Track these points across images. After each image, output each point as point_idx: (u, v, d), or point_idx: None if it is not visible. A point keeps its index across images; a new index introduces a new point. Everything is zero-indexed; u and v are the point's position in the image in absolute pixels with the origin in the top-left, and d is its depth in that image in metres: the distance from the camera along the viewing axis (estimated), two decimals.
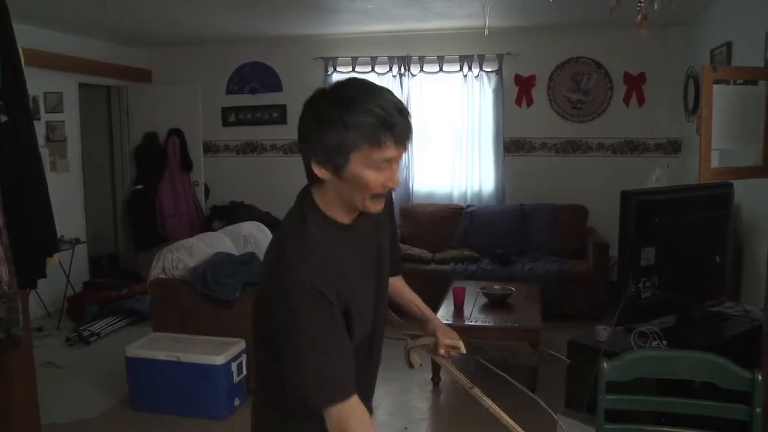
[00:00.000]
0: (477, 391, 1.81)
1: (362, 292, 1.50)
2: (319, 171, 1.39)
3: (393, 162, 1.39)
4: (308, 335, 1.33)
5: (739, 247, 4.54)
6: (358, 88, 1.38)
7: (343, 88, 1.39)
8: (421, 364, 1.96)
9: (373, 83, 1.41)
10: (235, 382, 3.88)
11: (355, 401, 1.36)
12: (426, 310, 1.98)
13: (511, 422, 1.75)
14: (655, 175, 5.75)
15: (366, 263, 1.55)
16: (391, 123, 1.34)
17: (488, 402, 1.79)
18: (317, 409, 1.34)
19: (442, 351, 1.90)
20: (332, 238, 1.44)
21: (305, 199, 1.48)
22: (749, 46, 4.48)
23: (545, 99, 6.73)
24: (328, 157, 1.36)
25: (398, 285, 1.94)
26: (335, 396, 1.34)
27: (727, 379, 2.03)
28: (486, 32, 4.79)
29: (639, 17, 2.53)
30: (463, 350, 1.92)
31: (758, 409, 1.98)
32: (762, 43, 4.16)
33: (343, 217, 1.47)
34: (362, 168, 1.36)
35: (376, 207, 1.45)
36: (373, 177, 1.38)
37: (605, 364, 2.07)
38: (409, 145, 1.42)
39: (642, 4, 2.43)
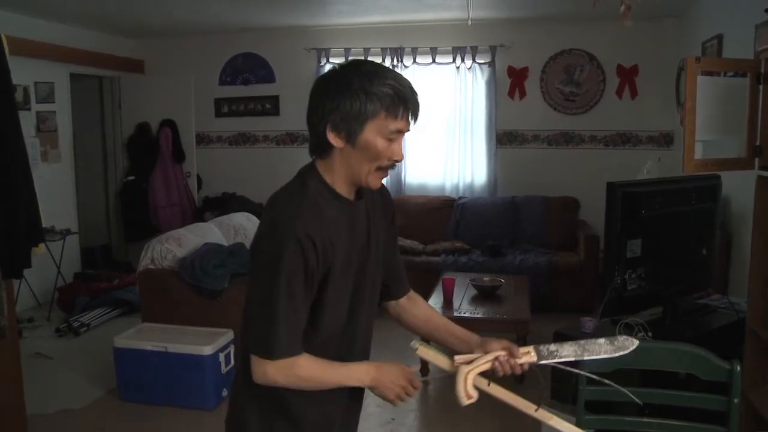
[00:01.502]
0: (543, 412, 1.58)
1: (344, 267, 1.51)
2: (333, 138, 1.45)
3: (401, 135, 1.48)
4: (280, 285, 1.40)
5: (727, 240, 4.56)
6: (377, 65, 1.48)
7: (362, 63, 1.49)
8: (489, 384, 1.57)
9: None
10: (223, 372, 3.88)
11: (287, 362, 1.43)
12: (462, 330, 1.78)
13: None
14: (647, 167, 5.76)
15: (355, 243, 1.55)
16: (407, 97, 1.44)
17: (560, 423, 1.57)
18: (252, 353, 1.45)
19: (513, 363, 1.59)
20: (330, 205, 1.49)
21: (307, 173, 1.54)
22: (740, 39, 4.48)
23: (538, 91, 6.72)
24: (345, 124, 1.43)
25: (424, 308, 1.85)
26: (273, 351, 1.42)
27: (706, 370, 2.03)
28: (469, 22, 4.78)
29: (622, 8, 2.52)
30: (536, 357, 1.59)
31: (736, 400, 1.99)
32: (752, 36, 4.16)
33: (345, 192, 1.53)
34: (376, 136, 1.44)
35: (377, 182, 1.52)
36: (383, 146, 1.45)
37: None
38: (415, 123, 1.51)
39: None
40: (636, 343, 1.60)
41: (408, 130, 1.49)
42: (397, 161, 1.49)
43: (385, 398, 1.56)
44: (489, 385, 1.55)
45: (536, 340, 4.64)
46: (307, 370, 1.46)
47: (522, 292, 4.80)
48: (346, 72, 1.45)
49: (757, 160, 2.80)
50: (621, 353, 1.62)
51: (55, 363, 4.69)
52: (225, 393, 3.91)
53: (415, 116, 1.48)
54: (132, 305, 5.64)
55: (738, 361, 2.02)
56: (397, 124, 1.44)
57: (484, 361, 1.55)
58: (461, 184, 6.91)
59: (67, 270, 6.16)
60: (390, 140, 1.45)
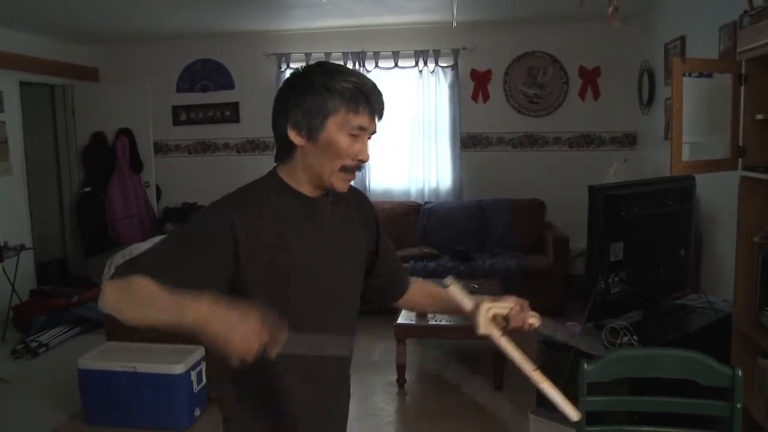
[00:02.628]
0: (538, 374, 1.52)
1: (310, 263, 1.48)
2: (294, 136, 1.44)
3: (365, 134, 1.45)
4: (182, 235, 1.44)
5: (698, 239, 4.59)
6: (341, 66, 1.50)
7: (326, 64, 1.49)
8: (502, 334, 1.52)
9: None
10: (195, 391, 3.74)
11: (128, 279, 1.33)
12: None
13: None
14: (613, 169, 5.79)
15: (323, 240, 1.51)
16: (369, 92, 1.43)
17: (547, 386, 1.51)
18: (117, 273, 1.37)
19: (524, 317, 1.57)
20: (284, 201, 1.47)
21: (265, 176, 1.54)
22: (703, 40, 4.52)
23: (501, 94, 6.72)
24: (306, 120, 1.42)
25: (421, 283, 1.80)
26: (129, 269, 1.35)
27: (707, 376, 2.00)
28: (454, 24, 4.74)
29: (610, 9, 2.49)
30: (539, 323, 1.62)
31: (738, 405, 1.96)
32: (716, 37, 4.20)
33: (308, 191, 1.50)
34: (337, 132, 1.42)
35: (342, 184, 1.47)
36: (346, 144, 1.43)
37: (585, 365, 2.01)
38: (379, 123, 1.48)
39: None
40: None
41: (373, 130, 1.47)
42: (362, 161, 1.46)
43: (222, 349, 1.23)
44: (502, 335, 1.51)
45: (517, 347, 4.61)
46: (140, 287, 1.31)
47: (498, 295, 4.75)
48: (308, 71, 1.46)
49: (740, 160, 2.80)
50: None
51: (12, 387, 4.46)
52: (198, 413, 3.77)
53: (379, 114, 1.47)
54: (92, 322, 5.42)
55: (738, 366, 1.99)
56: (359, 120, 1.42)
57: (505, 303, 1.54)
58: (426, 189, 6.86)
59: (21, 287, 5.89)
60: (353, 137, 1.43)
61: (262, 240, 1.41)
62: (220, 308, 1.22)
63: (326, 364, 1.55)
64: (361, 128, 1.43)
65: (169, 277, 1.30)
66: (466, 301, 1.54)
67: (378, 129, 1.49)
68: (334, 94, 1.40)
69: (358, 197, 1.67)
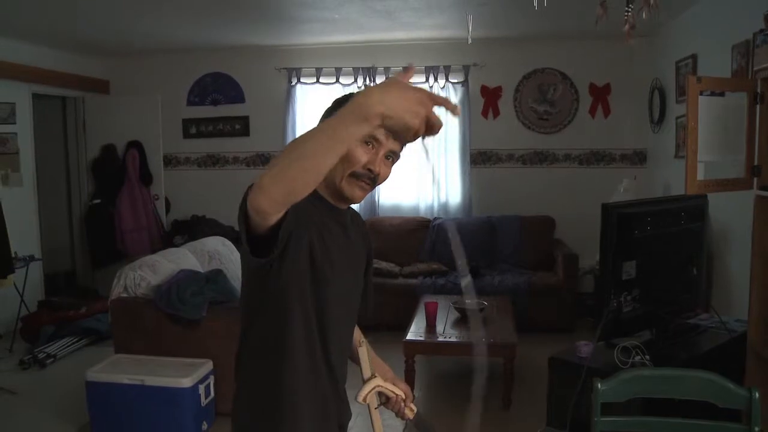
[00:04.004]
0: None
1: (341, 269, 1.54)
2: None
3: (380, 147, 1.48)
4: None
5: (709, 258, 4.56)
6: None
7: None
8: (377, 407, 1.73)
9: None
10: (203, 405, 3.72)
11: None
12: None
13: None
14: (623, 186, 5.78)
15: (347, 247, 1.59)
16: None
17: None
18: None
19: (402, 408, 1.77)
20: (316, 206, 1.50)
21: None
22: (714, 59, 4.52)
23: (511, 110, 6.72)
24: None
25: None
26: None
27: (723, 398, 1.98)
28: (469, 41, 4.76)
29: (626, 26, 2.48)
30: (413, 417, 1.80)
31: (757, 428, 1.93)
32: (728, 56, 4.20)
33: (331, 199, 1.56)
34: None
35: (352, 191, 1.50)
36: (359, 151, 1.46)
37: (599, 385, 1.99)
38: (401, 146, 1.51)
39: (629, 14, 2.38)
40: None
41: (390, 149, 1.48)
42: (372, 171, 1.48)
43: (402, 122, 1.16)
44: (377, 408, 1.69)
45: (524, 364, 4.60)
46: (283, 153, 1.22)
47: (506, 313, 4.73)
48: (352, 93, 1.47)
49: (755, 180, 2.78)
50: None
51: (19, 398, 4.45)
52: (205, 426, 3.75)
53: (395, 134, 1.42)
54: (100, 334, 5.42)
55: (756, 388, 1.97)
56: (374, 129, 1.38)
57: (393, 388, 1.73)
58: (436, 205, 6.86)
59: (30, 298, 5.89)
60: (365, 144, 1.46)
61: (313, 236, 1.46)
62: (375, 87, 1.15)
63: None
64: (374, 138, 1.45)
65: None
66: (366, 368, 1.70)
67: (401, 154, 1.53)
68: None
69: (354, 215, 1.72)
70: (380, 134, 1.45)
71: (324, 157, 1.17)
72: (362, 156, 1.46)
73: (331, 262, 1.49)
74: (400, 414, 1.76)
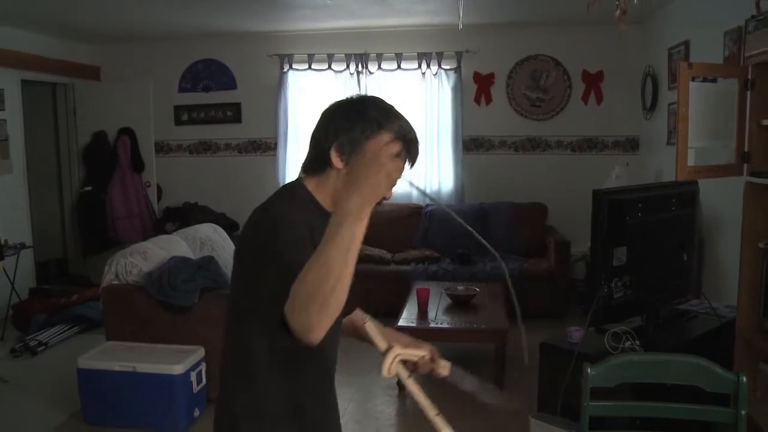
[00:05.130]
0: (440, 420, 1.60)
1: None
2: (335, 157, 1.47)
3: (396, 176, 1.44)
4: (292, 250, 1.36)
5: (700, 245, 4.58)
6: (390, 105, 1.54)
7: (378, 99, 1.55)
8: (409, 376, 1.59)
9: None
10: (194, 392, 3.73)
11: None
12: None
13: None
14: (615, 173, 5.79)
15: None
16: (411, 141, 1.50)
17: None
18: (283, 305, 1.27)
19: (432, 367, 1.66)
20: (316, 217, 1.48)
21: (294, 186, 1.56)
22: (707, 45, 4.52)
23: (504, 97, 6.71)
24: (351, 147, 1.45)
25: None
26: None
27: (711, 382, 1.99)
28: (460, 26, 4.74)
29: (618, 12, 2.47)
30: (448, 373, 1.69)
31: (743, 411, 1.95)
32: (720, 43, 4.20)
33: (327, 206, 1.53)
34: None
35: None
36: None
37: (589, 370, 2.00)
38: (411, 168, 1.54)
39: None
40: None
41: (401, 174, 1.47)
42: (385, 200, 1.44)
43: (376, 188, 1.20)
44: (409, 377, 1.55)
45: (515, 350, 4.61)
46: (298, 284, 1.22)
47: (497, 300, 4.74)
48: (364, 101, 1.52)
49: (746, 166, 2.79)
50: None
51: (11, 386, 4.43)
52: (197, 413, 3.76)
53: (412, 163, 1.53)
54: (92, 322, 5.41)
55: (743, 372, 1.98)
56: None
57: (415, 351, 1.61)
58: (428, 191, 6.85)
59: (21, 286, 5.88)
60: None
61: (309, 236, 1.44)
62: (352, 192, 1.20)
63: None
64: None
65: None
66: (380, 341, 1.57)
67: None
68: (384, 132, 1.45)
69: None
70: (400, 167, 1.43)
71: (349, 271, 1.21)
72: None
73: None
74: (434, 374, 1.67)
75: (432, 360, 1.64)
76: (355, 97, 1.54)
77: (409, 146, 1.48)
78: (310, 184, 1.53)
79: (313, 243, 1.38)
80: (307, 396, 1.55)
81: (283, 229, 1.40)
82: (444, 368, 1.68)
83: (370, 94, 1.59)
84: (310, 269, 1.20)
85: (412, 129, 1.52)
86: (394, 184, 1.38)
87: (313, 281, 1.19)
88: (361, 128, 1.45)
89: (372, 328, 1.59)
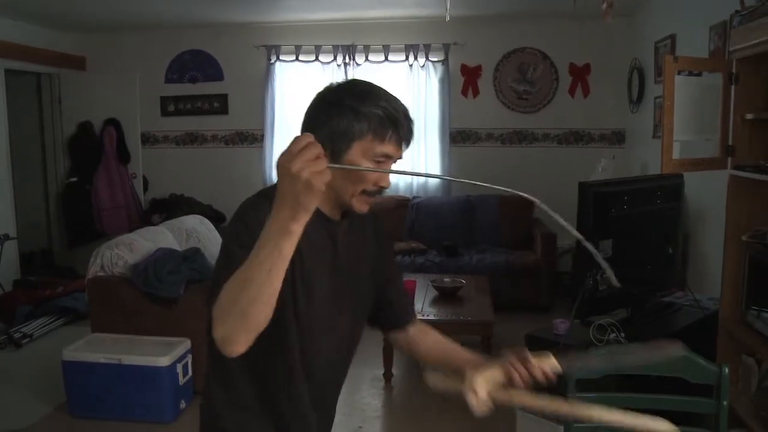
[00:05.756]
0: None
1: (321, 287, 1.45)
2: None
3: (390, 161, 1.41)
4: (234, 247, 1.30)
5: (685, 238, 4.62)
6: (373, 85, 1.43)
7: (357, 83, 1.46)
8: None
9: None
10: (180, 384, 3.72)
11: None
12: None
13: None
14: (602, 165, 5.82)
15: (336, 265, 1.49)
16: (398, 120, 1.38)
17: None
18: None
19: (530, 367, 1.42)
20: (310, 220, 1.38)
21: None
22: (693, 39, 4.54)
23: (491, 89, 6.72)
24: (331, 142, 1.35)
25: (434, 338, 1.73)
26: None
27: (694, 373, 2.01)
28: (447, 18, 4.73)
29: (604, 5, 2.48)
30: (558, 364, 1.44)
31: (725, 402, 1.97)
32: (705, 37, 4.22)
33: (328, 211, 1.46)
34: (361, 158, 1.37)
35: (363, 206, 1.43)
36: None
37: None
38: (405, 151, 1.44)
39: None
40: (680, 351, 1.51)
41: (399, 157, 1.42)
42: (384, 187, 1.42)
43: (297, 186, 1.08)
44: (509, 394, 1.36)
45: (501, 342, 4.63)
46: (223, 291, 1.17)
47: (483, 292, 4.76)
48: (339, 90, 1.42)
49: (730, 159, 2.81)
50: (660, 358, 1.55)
51: None
52: (183, 405, 3.75)
53: (407, 142, 1.42)
54: (78, 313, 5.39)
55: (726, 364, 2.00)
56: (385, 148, 1.37)
57: (493, 368, 1.39)
58: (415, 184, 6.87)
59: (5, 277, 5.84)
60: (377, 163, 1.38)
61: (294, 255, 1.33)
62: (277, 206, 1.10)
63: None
64: (386, 156, 1.38)
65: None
66: (453, 384, 1.39)
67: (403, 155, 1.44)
68: (362, 118, 1.36)
69: (372, 222, 1.63)
70: (392, 148, 1.38)
71: (273, 288, 1.13)
72: (372, 173, 1.39)
73: (308, 284, 1.41)
74: (536, 377, 1.42)
75: (527, 365, 1.41)
76: (334, 86, 1.45)
77: (396, 126, 1.37)
78: None
79: (301, 259, 1.36)
80: (280, 396, 1.49)
81: (238, 222, 1.35)
82: (548, 363, 1.42)
83: (354, 77, 1.54)
84: (234, 279, 1.15)
85: (399, 107, 1.39)
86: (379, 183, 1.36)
87: (234, 291, 1.14)
88: (337, 119, 1.36)
89: (438, 381, 1.41)
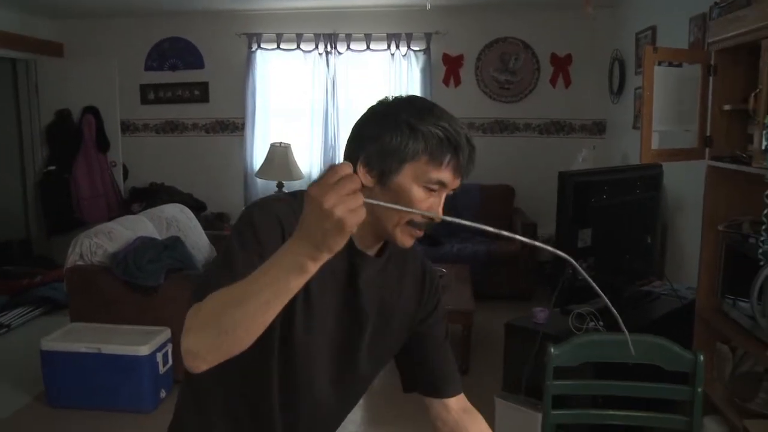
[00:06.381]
0: None
1: (322, 316, 1.28)
2: (363, 174, 1.22)
3: (444, 190, 1.25)
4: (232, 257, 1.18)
5: (663, 227, 4.66)
6: (433, 103, 1.27)
7: (416, 98, 1.29)
8: None
9: None
10: (160, 373, 3.71)
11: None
12: None
13: None
14: (582, 156, 5.85)
15: (349, 302, 1.32)
16: (459, 144, 1.21)
17: None
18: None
19: None
20: None
21: None
22: (673, 31, 4.57)
23: (473, 79, 6.72)
24: (380, 160, 1.21)
25: (479, 424, 1.53)
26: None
27: (671, 361, 2.04)
28: (428, 6, 4.73)
29: None
30: None
31: (699, 389, 2.00)
32: (685, 29, 4.25)
33: (360, 241, 1.29)
34: (412, 183, 1.21)
35: (406, 239, 1.26)
36: (420, 197, 1.22)
37: (552, 349, 2.03)
38: (464, 180, 1.27)
39: None
40: None
41: (454, 187, 1.25)
42: (433, 219, 1.21)
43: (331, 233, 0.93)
44: None
45: (482, 331, 4.66)
46: (210, 299, 1.06)
47: (464, 281, 4.78)
48: (396, 104, 1.26)
49: (707, 150, 2.84)
50: None
51: None
52: (163, 394, 3.74)
53: (466, 172, 1.25)
54: (56, 303, 5.34)
55: (701, 352, 2.03)
56: (441, 174, 1.21)
57: None
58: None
59: None
60: (429, 191, 1.22)
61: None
62: (298, 237, 0.96)
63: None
64: (441, 183, 1.22)
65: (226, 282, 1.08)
66: None
67: (459, 187, 1.27)
68: (418, 136, 1.19)
69: (422, 267, 1.46)
70: (448, 175, 1.22)
71: (263, 320, 1.02)
72: (423, 202, 1.22)
73: (308, 312, 1.26)
74: None
75: None
76: (390, 99, 1.28)
77: (456, 151, 1.21)
78: None
79: (321, 281, 1.19)
80: (243, 409, 1.37)
81: (244, 223, 1.23)
82: None
83: (413, 94, 1.34)
84: (225, 293, 1.04)
85: (461, 130, 1.22)
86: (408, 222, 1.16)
87: (220, 307, 1.03)
88: (390, 135, 1.20)
89: None
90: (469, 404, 1.55)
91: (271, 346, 1.25)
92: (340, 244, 0.94)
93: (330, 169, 0.94)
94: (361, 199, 0.93)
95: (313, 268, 0.97)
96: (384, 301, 1.38)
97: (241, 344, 1.03)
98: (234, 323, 1.00)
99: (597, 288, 1.09)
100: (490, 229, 1.09)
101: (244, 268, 1.07)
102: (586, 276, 1.09)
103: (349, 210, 0.91)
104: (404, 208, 1.16)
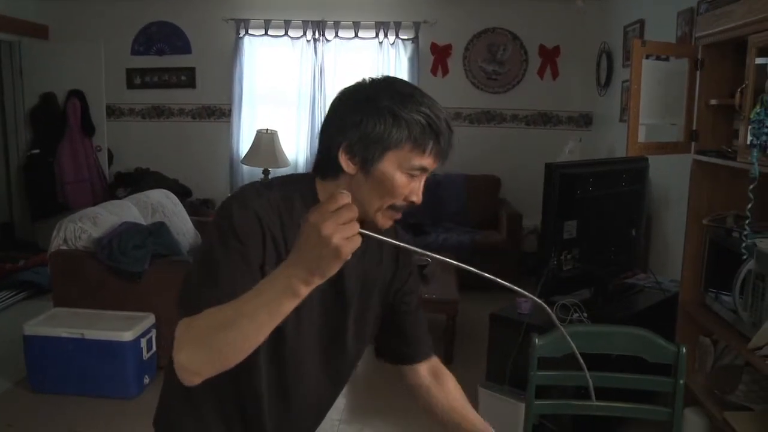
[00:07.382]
0: None
1: (308, 305, 1.24)
2: (345, 161, 1.23)
3: (425, 174, 1.27)
4: (214, 253, 1.20)
5: (648, 220, 4.70)
6: (413, 87, 1.27)
7: (395, 82, 1.28)
8: None
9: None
10: (144, 358, 3.69)
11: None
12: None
13: None
14: (569, 147, 5.87)
15: (327, 284, 1.24)
16: (440, 130, 1.22)
17: None
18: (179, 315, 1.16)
19: None
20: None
21: (300, 181, 1.32)
22: (661, 25, 4.60)
23: (461, 69, 6.72)
24: (363, 147, 1.21)
25: (450, 393, 1.57)
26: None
27: (654, 353, 2.06)
28: None
29: None
30: None
31: (681, 381, 2.02)
32: (673, 23, 4.28)
33: None
34: (395, 169, 1.22)
35: (386, 222, 1.29)
36: (401, 183, 1.23)
37: (536, 340, 2.05)
38: (443, 163, 1.29)
39: None
40: None
41: (431, 170, 1.27)
42: (414, 203, 1.27)
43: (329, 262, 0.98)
44: None
45: (466, 321, 4.68)
46: (203, 316, 1.10)
47: (448, 271, 4.79)
48: (376, 87, 1.24)
49: (693, 144, 2.86)
50: None
51: None
52: (147, 380, 3.73)
53: (445, 156, 1.26)
54: (39, 288, 5.30)
55: (683, 345, 2.05)
56: (423, 161, 1.22)
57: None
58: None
59: None
60: (411, 176, 1.24)
61: (269, 244, 1.22)
62: (298, 253, 0.99)
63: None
64: (423, 169, 1.24)
65: (214, 298, 1.12)
66: None
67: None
68: (402, 125, 1.19)
69: (395, 236, 1.46)
70: (430, 161, 1.23)
71: (256, 339, 1.07)
72: (404, 187, 1.23)
73: (296, 316, 1.23)
74: None
75: None
76: (368, 81, 1.27)
77: (438, 137, 1.22)
78: (320, 188, 1.30)
79: (279, 256, 1.21)
80: (233, 404, 1.38)
81: (223, 219, 1.22)
82: None
83: (389, 75, 1.34)
84: (218, 313, 1.07)
85: (442, 114, 1.23)
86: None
87: (214, 326, 1.07)
88: (373, 122, 1.19)
89: None
90: (440, 366, 1.60)
91: (262, 346, 1.25)
92: (333, 270, 0.98)
93: (330, 198, 0.97)
94: (356, 227, 0.97)
95: (305, 292, 1.01)
96: (366, 273, 1.41)
97: (234, 360, 1.09)
98: (227, 343, 1.06)
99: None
100: (486, 274, 1.18)
101: (228, 274, 1.15)
102: (555, 319, 1.14)
103: (346, 238, 0.95)
104: (410, 247, 1.19)
